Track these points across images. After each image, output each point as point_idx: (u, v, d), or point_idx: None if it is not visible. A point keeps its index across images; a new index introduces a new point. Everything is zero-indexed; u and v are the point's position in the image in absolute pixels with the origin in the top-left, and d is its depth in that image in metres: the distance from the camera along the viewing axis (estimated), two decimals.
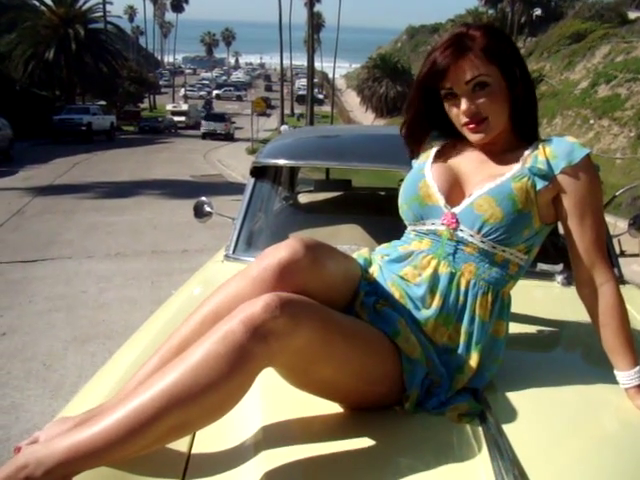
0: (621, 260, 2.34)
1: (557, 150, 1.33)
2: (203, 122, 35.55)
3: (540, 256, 2.26)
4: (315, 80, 57.75)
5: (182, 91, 70.81)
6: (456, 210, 1.33)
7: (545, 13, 39.08)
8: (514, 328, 1.63)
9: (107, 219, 9.39)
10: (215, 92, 76.14)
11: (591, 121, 21.07)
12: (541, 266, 2.18)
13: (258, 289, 1.13)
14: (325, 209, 3.30)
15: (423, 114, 1.41)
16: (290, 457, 1.08)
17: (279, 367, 1.13)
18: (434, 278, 1.30)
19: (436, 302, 1.29)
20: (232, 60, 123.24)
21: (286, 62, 57.47)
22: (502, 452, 1.03)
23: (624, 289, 2.12)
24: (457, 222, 1.32)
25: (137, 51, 74.80)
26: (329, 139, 2.92)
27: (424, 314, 1.29)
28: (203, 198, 2.58)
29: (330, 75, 69.43)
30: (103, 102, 36.98)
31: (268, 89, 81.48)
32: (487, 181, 1.33)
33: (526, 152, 1.36)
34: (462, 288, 1.30)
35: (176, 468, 1.09)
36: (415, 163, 1.49)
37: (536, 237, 1.35)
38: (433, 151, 1.47)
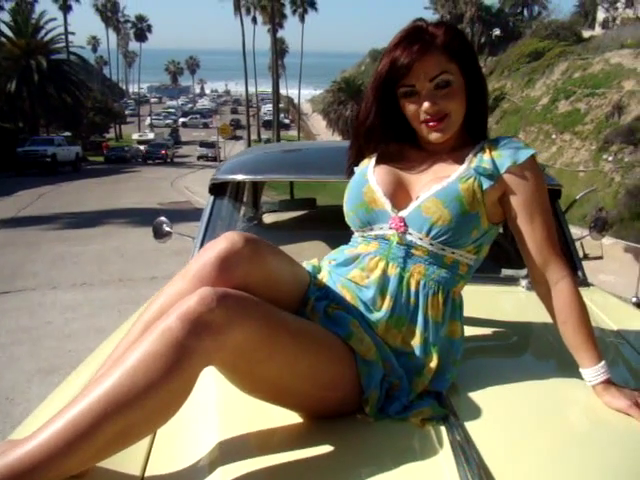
0: (588, 268, 2.35)
1: (502, 150, 1.32)
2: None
3: (504, 262, 2.28)
4: (281, 105, 58.15)
5: (148, 120, 70.61)
6: (403, 213, 1.31)
7: (504, 33, 39.99)
8: (479, 333, 1.62)
9: (73, 249, 9.22)
10: (181, 120, 75.96)
11: (553, 136, 21.52)
12: (505, 272, 2.19)
13: (199, 286, 1.09)
14: (290, 227, 3.27)
15: (381, 117, 1.37)
16: (248, 469, 1.04)
17: (222, 366, 1.08)
18: (383, 280, 1.28)
19: (386, 304, 1.27)
20: (197, 88, 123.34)
21: (252, 88, 57.83)
22: (468, 456, 1.00)
23: (588, 291, 2.14)
24: (405, 225, 1.30)
25: (102, 81, 74.56)
26: (288, 154, 2.90)
27: (375, 316, 1.26)
28: (162, 218, 2.53)
29: (296, 100, 69.99)
30: (68, 133, 36.64)
31: (234, 112, 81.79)
32: (433, 183, 1.31)
33: (471, 152, 1.35)
34: (412, 289, 1.28)
35: None
36: (356, 169, 1.45)
37: (485, 237, 1.34)
38: (374, 155, 1.43)
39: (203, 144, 42.80)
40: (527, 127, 23.46)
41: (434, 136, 1.32)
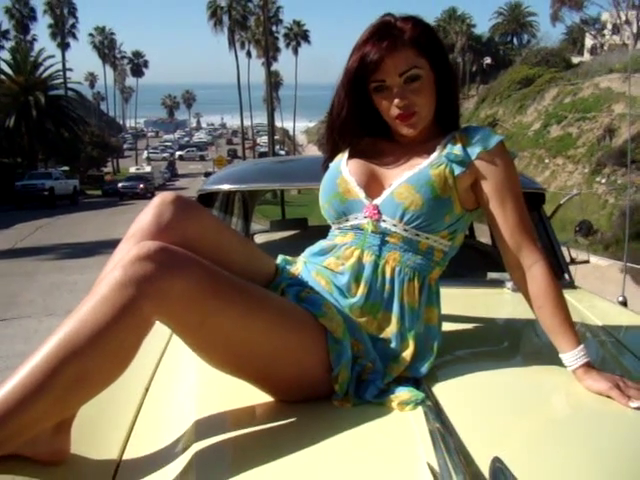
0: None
1: (472, 137, 1.36)
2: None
3: (490, 266, 2.31)
4: (276, 137, 58.56)
5: (145, 153, 71.01)
6: (377, 201, 1.34)
7: (495, 61, 40.62)
8: (462, 328, 1.64)
9: (69, 278, 9.22)
10: (178, 153, 76.44)
11: (546, 160, 21.70)
12: (491, 275, 2.22)
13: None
14: (281, 247, 3.29)
15: (354, 112, 1.40)
16: (223, 452, 1.06)
17: (172, 319, 1.09)
18: (358, 266, 1.30)
19: (361, 290, 1.29)
20: (194, 121, 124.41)
21: (247, 121, 58.37)
22: (447, 441, 0.99)
23: (575, 293, 2.17)
24: (379, 213, 1.32)
25: (99, 116, 75.13)
26: (275, 165, 2.95)
27: (350, 302, 1.28)
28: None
29: (291, 132, 70.60)
30: (66, 167, 36.84)
31: (230, 143, 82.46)
32: (405, 170, 1.34)
33: (443, 141, 1.38)
34: (387, 276, 1.30)
35: (105, 473, 1.05)
36: (331, 164, 1.48)
37: (458, 223, 1.36)
38: (347, 149, 1.46)
39: (207, 174, 41.54)
40: (520, 152, 23.63)
41: (405, 130, 1.36)
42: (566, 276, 2.24)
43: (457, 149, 1.34)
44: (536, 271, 1.32)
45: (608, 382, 1.20)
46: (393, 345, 1.27)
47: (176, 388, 1.38)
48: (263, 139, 73.83)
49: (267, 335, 1.15)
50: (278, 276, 1.34)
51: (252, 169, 2.80)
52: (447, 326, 1.57)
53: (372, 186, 1.36)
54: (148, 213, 1.21)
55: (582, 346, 1.26)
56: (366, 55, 1.31)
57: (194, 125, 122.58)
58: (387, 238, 1.32)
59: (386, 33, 1.31)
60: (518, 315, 1.76)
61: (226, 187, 2.40)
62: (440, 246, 1.35)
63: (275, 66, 61.66)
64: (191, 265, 1.08)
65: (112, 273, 1.04)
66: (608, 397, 1.19)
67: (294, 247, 3.14)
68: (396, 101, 1.32)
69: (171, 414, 1.26)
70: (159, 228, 1.18)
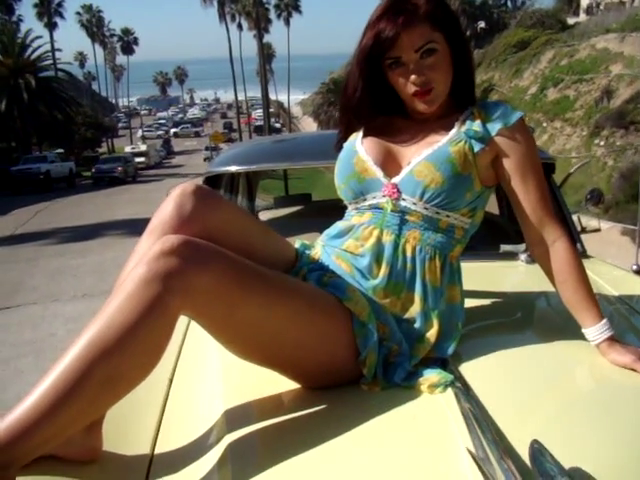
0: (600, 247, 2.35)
1: (492, 113, 1.34)
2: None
3: (503, 238, 2.30)
4: (271, 110, 58.17)
5: (139, 132, 70.52)
6: (396, 180, 1.32)
7: (489, 25, 40.06)
8: (480, 304, 1.63)
9: (72, 262, 9.22)
10: (173, 130, 75.97)
11: (544, 124, 21.56)
12: (504, 247, 2.21)
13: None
14: (285, 223, 3.28)
15: (369, 90, 1.37)
16: (254, 441, 1.06)
17: (199, 314, 1.08)
18: (378, 247, 1.29)
19: (383, 271, 1.28)
20: (187, 98, 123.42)
21: (241, 95, 57.86)
22: (480, 422, 0.99)
23: (588, 262, 2.15)
24: (398, 191, 1.31)
25: (91, 96, 74.47)
26: (280, 143, 2.91)
27: (372, 283, 1.27)
28: None
29: (286, 104, 70.07)
30: (61, 150, 36.61)
31: (224, 117, 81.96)
32: (424, 148, 1.32)
33: (461, 117, 1.36)
34: (408, 255, 1.29)
35: (139, 469, 1.05)
36: (345, 144, 1.46)
37: (479, 200, 1.35)
38: (361, 129, 1.44)
39: (208, 148, 40.29)
40: None
41: (422, 107, 1.33)
42: (578, 246, 2.23)
43: (476, 125, 1.32)
44: (559, 246, 1.31)
45: (633, 355, 1.21)
46: (417, 325, 1.27)
47: (200, 378, 1.38)
48: (258, 112, 73.40)
49: (294, 323, 1.14)
50: (298, 262, 1.33)
51: (257, 149, 2.76)
52: (466, 302, 1.56)
53: (390, 165, 1.35)
54: (169, 205, 1.19)
55: (605, 320, 1.26)
56: (381, 32, 1.28)
57: (187, 101, 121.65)
58: (407, 217, 1.30)
59: (400, 8, 1.28)
60: (535, 288, 1.76)
61: (233, 168, 2.38)
62: (460, 224, 1.34)
63: (267, 38, 61.06)
64: (216, 257, 1.07)
65: (136, 270, 1.02)
66: (632, 370, 1.19)
67: (299, 223, 3.14)
68: (413, 77, 1.30)
69: (199, 405, 1.26)
70: (181, 220, 1.17)
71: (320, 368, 1.20)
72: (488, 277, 1.97)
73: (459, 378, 1.17)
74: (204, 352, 1.45)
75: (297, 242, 1.41)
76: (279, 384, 1.23)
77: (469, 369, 1.22)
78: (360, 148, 1.38)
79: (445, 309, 1.30)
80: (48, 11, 54.49)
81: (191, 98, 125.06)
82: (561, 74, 22.58)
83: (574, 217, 2.41)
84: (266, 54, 56.88)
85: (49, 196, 22.64)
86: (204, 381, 1.35)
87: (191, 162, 41.22)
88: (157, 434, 1.17)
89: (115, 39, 79.54)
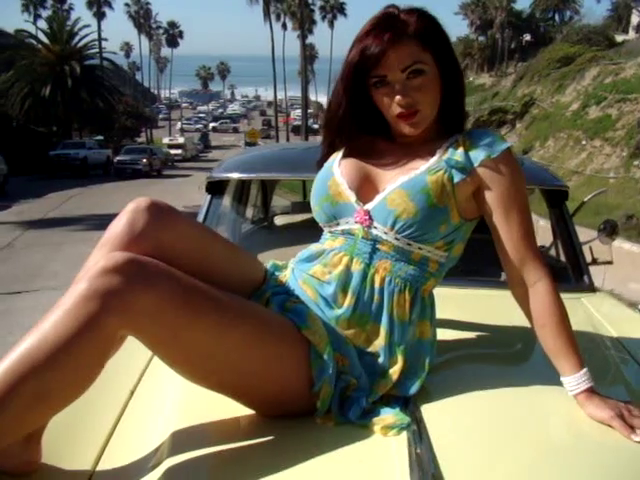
0: (617, 277, 2.26)
1: (477, 142, 1.26)
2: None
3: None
4: (310, 110, 58.27)
5: (178, 124, 71.39)
6: (369, 206, 1.26)
7: (534, 38, 39.58)
8: (462, 337, 1.56)
9: None
10: (212, 125, 76.81)
11: (583, 142, 21.14)
12: (505, 276, 2.12)
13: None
14: (301, 230, 3.22)
15: (353, 109, 1.31)
16: (196, 465, 1.03)
17: (142, 334, 1.04)
18: (345, 275, 1.23)
19: (348, 300, 1.21)
20: (228, 93, 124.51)
21: (281, 94, 58.12)
22: (425, 472, 0.92)
23: (594, 297, 2.06)
24: (370, 219, 1.24)
25: (134, 86, 75.69)
26: (289, 151, 2.86)
27: (336, 313, 1.21)
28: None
29: (325, 106, 70.01)
30: (100, 137, 37.19)
31: (263, 114, 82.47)
32: (401, 175, 1.26)
33: (444, 144, 1.29)
34: (376, 286, 1.22)
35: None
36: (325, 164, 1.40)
37: (456, 233, 1.27)
38: (342, 149, 1.38)
39: (247, 144, 40.23)
40: (557, 133, 23.10)
41: (407, 130, 1.27)
42: (585, 279, 2.13)
43: (459, 154, 1.25)
44: (540, 288, 1.23)
45: (611, 410, 1.12)
46: (381, 360, 1.20)
47: (161, 394, 1.34)
48: (297, 112, 73.63)
49: (244, 349, 1.09)
50: (265, 283, 1.28)
51: (265, 156, 2.71)
52: (447, 333, 1.49)
53: (365, 189, 1.28)
54: (121, 220, 1.15)
55: (585, 370, 1.18)
56: (367, 48, 1.22)
57: (228, 97, 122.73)
58: (378, 245, 1.24)
59: (389, 25, 1.22)
60: (526, 322, 1.67)
61: (235, 176, 2.34)
62: (435, 257, 1.27)
63: (310, 39, 61.28)
64: (161, 277, 1.03)
65: (77, 285, 1.00)
66: (609, 426, 1.11)
67: (314, 230, 3.09)
68: (397, 98, 1.23)
69: (152, 422, 1.22)
70: (131, 237, 1.13)
71: (273, 397, 1.15)
72: (479, 307, 1.90)
73: (417, 421, 1.10)
74: (168, 372, 1.41)
75: (270, 263, 1.37)
76: (237, 409, 1.19)
77: (431, 411, 1.14)
78: (337, 170, 1.32)
79: (412, 345, 1.23)
80: (97, 1, 55.49)
81: (232, 94, 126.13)
82: (604, 92, 22.12)
83: (584, 248, 2.31)
84: (308, 55, 57.02)
85: (84, 182, 22.99)
86: (164, 397, 1.31)
87: (227, 157, 41.36)
88: (104, 448, 1.14)
89: (161, 31, 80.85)
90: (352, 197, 1.27)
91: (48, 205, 15.80)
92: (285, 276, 1.31)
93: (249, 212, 3.32)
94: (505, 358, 1.60)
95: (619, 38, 31.84)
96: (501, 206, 1.24)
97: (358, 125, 1.34)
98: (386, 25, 1.22)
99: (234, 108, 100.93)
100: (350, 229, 1.27)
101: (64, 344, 0.95)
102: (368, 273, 1.23)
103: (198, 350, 1.07)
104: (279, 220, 3.62)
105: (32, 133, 30.73)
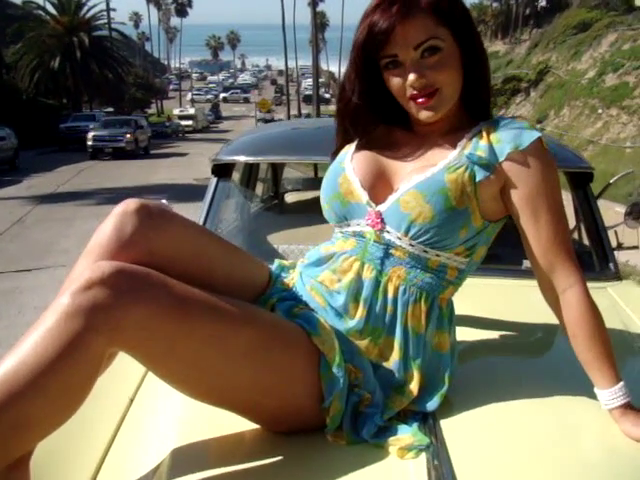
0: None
1: (502, 133, 1.12)
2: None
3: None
4: (322, 80, 57.64)
5: (189, 95, 70.93)
6: (381, 208, 1.14)
7: (550, 4, 38.58)
8: (488, 336, 1.45)
9: None
10: (222, 95, 76.33)
11: (599, 111, 20.72)
12: (527, 263, 2.01)
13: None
14: (311, 208, 3.12)
15: (368, 95, 1.17)
16: None
17: (133, 349, 0.95)
18: (356, 284, 1.12)
19: (360, 312, 1.11)
20: (238, 63, 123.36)
21: (292, 63, 57.47)
22: None
23: (620, 285, 1.95)
24: (383, 222, 1.12)
25: (144, 57, 75.22)
26: (296, 132, 2.73)
27: (348, 325, 1.11)
28: (162, 200, 2.42)
29: (337, 74, 69.29)
30: (110, 109, 37.03)
31: (274, 83, 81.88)
32: (416, 173, 1.13)
33: (467, 135, 1.15)
34: (390, 295, 1.11)
35: None
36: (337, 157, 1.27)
37: (478, 237, 1.14)
38: (354, 142, 1.25)
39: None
40: (572, 101, 22.65)
41: (424, 114, 1.13)
42: (611, 266, 2.01)
43: (482, 147, 1.12)
44: (571, 297, 1.11)
45: None
46: (396, 374, 1.11)
47: (162, 403, 1.25)
48: (308, 81, 72.91)
49: (248, 361, 1.00)
50: (270, 287, 1.18)
51: (273, 137, 2.58)
52: (467, 333, 1.39)
53: (379, 188, 1.16)
54: (108, 225, 1.04)
55: (621, 384, 1.07)
56: (374, 25, 1.08)
57: (239, 66, 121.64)
58: (391, 251, 1.12)
59: None
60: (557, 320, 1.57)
61: (242, 159, 2.22)
62: (454, 264, 1.15)
63: (321, 6, 60.20)
64: (153, 287, 0.93)
65: (59, 300, 0.90)
66: None
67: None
68: (411, 79, 1.09)
69: (148, 442, 1.14)
70: (120, 243, 1.02)
71: (280, 412, 1.06)
72: (503, 298, 1.79)
73: (438, 440, 1.00)
74: (163, 393, 1.33)
75: (275, 263, 1.27)
76: (241, 424, 1.10)
77: (453, 429, 1.04)
78: (348, 165, 1.20)
79: (430, 359, 1.13)
80: None
81: (242, 63, 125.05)
82: (622, 59, 21.58)
83: (609, 232, 2.18)
84: (319, 23, 56.12)
85: None
86: (163, 410, 1.23)
87: (238, 127, 40.97)
88: (99, 469, 1.07)
89: (170, 1, 79.76)
90: (364, 197, 1.16)
91: (59, 179, 15.75)
92: (292, 279, 1.21)
93: (258, 192, 3.21)
94: (532, 362, 1.48)
95: (638, 2, 30.98)
96: (528, 205, 1.11)
97: (374, 114, 1.21)
98: None
99: (245, 78, 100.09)
100: (362, 231, 1.15)
101: (45, 367, 0.86)
102: (381, 281, 1.12)
103: (197, 364, 0.98)
104: (290, 197, 3.51)
105: (42, 106, 30.62)
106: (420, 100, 1.11)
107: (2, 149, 17.87)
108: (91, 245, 1.05)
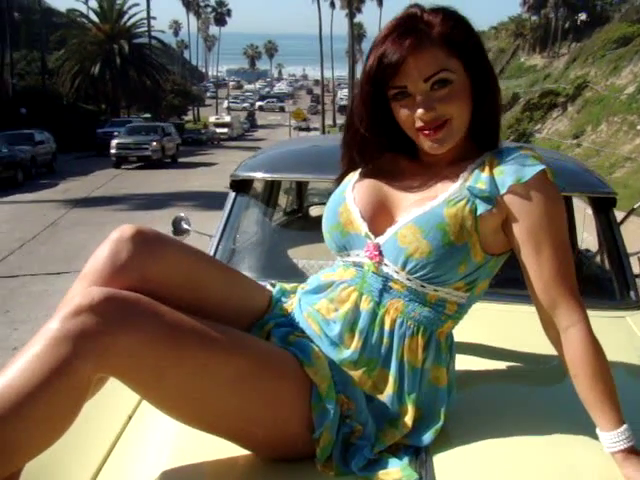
0: None
1: (505, 165, 1.09)
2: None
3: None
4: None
5: (225, 103, 71.70)
6: (380, 240, 1.11)
7: (590, 17, 38.05)
8: (489, 367, 1.41)
9: None
10: (258, 103, 77.08)
11: (638, 127, 20.32)
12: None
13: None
14: None
15: (376, 124, 1.15)
16: None
17: (122, 375, 0.95)
18: (353, 314, 1.10)
19: (355, 343, 1.09)
20: (275, 72, 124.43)
21: (328, 73, 57.72)
22: None
23: (636, 315, 1.88)
24: (381, 255, 1.10)
25: (182, 64, 76.32)
26: (317, 149, 2.71)
27: (343, 354, 1.09)
28: (181, 214, 2.44)
29: None
30: (148, 115, 37.62)
31: (310, 92, 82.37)
32: (416, 206, 1.10)
33: (470, 166, 1.12)
34: (386, 328, 1.09)
35: None
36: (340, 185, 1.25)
37: (480, 272, 1.11)
38: (359, 169, 1.23)
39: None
40: (610, 117, 22.26)
41: (431, 146, 1.10)
42: (632, 294, 1.95)
43: (483, 180, 1.09)
44: (573, 335, 1.07)
45: None
46: (390, 408, 1.08)
47: (159, 423, 1.25)
48: (344, 92, 73.06)
49: (238, 388, 1.00)
50: (268, 312, 1.17)
51: (294, 154, 2.56)
52: (467, 361, 1.35)
53: (378, 219, 1.14)
54: (103, 251, 1.05)
55: (624, 427, 1.02)
56: (384, 55, 1.06)
57: (275, 76, 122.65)
58: (389, 283, 1.10)
59: (410, 28, 1.06)
60: None
61: (259, 176, 2.22)
62: (454, 298, 1.12)
63: (359, 18, 60.36)
64: (143, 315, 0.93)
65: (48, 325, 0.90)
66: None
67: None
68: (419, 113, 1.07)
69: (142, 460, 1.13)
70: (114, 269, 1.03)
71: (271, 440, 1.05)
72: (505, 326, 1.73)
73: (428, 475, 0.98)
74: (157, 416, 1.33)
75: (276, 287, 1.25)
76: (233, 449, 1.09)
77: (444, 465, 1.01)
78: (349, 195, 1.18)
79: (425, 393, 1.10)
80: None
81: (279, 73, 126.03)
82: None
83: (632, 259, 2.12)
84: (356, 34, 56.28)
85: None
86: (162, 426, 1.22)
87: (273, 136, 41.19)
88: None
89: (209, 10, 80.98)
90: (363, 228, 1.13)
91: (93, 183, 16.03)
92: (291, 305, 1.20)
93: (281, 204, 3.20)
94: (536, 396, 1.43)
95: None
96: (531, 239, 1.07)
97: (381, 143, 1.19)
98: (406, 28, 1.06)
99: (281, 87, 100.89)
100: (361, 262, 1.13)
101: (31, 392, 0.87)
102: (378, 313, 1.10)
103: (185, 392, 0.98)
104: (315, 211, 3.48)
105: (81, 111, 31.31)
106: (428, 132, 1.09)
107: (41, 153, 18.30)
108: (86, 270, 1.06)
